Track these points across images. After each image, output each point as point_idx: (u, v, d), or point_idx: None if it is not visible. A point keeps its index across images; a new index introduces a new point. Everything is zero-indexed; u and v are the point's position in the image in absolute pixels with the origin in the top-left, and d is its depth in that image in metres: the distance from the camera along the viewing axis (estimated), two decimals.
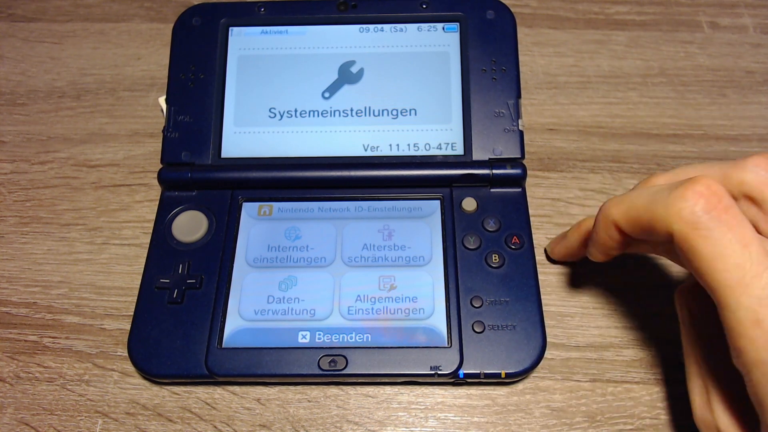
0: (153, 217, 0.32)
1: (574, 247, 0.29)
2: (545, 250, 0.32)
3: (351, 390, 0.29)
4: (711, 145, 0.36)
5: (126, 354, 0.29)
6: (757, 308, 0.19)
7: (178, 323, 0.29)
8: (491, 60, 0.33)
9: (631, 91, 0.38)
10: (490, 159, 0.32)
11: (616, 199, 0.24)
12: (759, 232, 0.23)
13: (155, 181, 0.34)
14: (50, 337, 0.30)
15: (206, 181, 0.32)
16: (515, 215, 0.31)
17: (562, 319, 0.30)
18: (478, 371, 0.27)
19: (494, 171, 0.31)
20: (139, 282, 0.30)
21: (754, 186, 0.23)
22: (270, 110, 0.33)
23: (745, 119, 0.37)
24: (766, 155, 0.23)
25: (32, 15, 0.42)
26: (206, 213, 0.32)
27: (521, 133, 0.32)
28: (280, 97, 0.34)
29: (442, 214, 0.31)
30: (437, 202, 0.32)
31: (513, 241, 0.30)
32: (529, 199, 0.32)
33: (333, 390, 0.29)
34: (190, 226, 0.31)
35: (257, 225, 0.31)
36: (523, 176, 0.32)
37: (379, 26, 0.34)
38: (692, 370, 0.25)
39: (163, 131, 0.33)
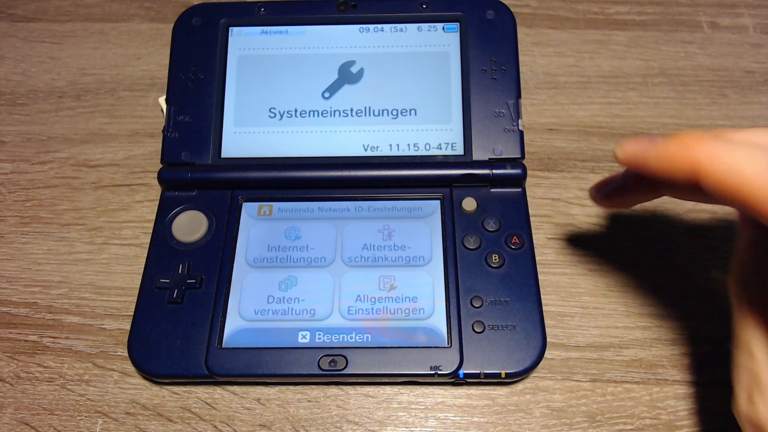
0: (153, 217, 0.32)
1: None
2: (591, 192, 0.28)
3: (351, 390, 0.29)
4: None
5: (126, 354, 0.29)
6: None
7: (178, 323, 0.29)
8: (491, 60, 0.33)
9: (631, 91, 0.38)
10: (490, 159, 0.32)
11: (711, 145, 0.19)
12: None
13: (155, 181, 0.34)
14: (50, 337, 0.30)
15: (206, 181, 0.32)
16: (515, 215, 0.31)
17: (562, 319, 0.30)
18: (478, 371, 0.27)
19: (494, 171, 0.31)
20: (139, 282, 0.30)
21: None
22: (270, 110, 0.33)
23: (745, 119, 0.37)
24: None
25: (32, 15, 0.42)
26: (206, 213, 0.32)
27: (521, 133, 0.32)
28: (280, 97, 0.34)
29: (442, 214, 0.31)
30: (437, 202, 0.32)
31: (513, 241, 0.30)
32: (529, 199, 0.32)
33: (333, 390, 0.29)
34: (190, 226, 0.31)
35: (257, 225, 0.31)
36: (523, 176, 0.32)
37: (379, 26, 0.34)
38: (743, 361, 0.22)
39: (163, 131, 0.33)
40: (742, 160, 0.18)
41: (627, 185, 0.26)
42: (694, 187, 0.20)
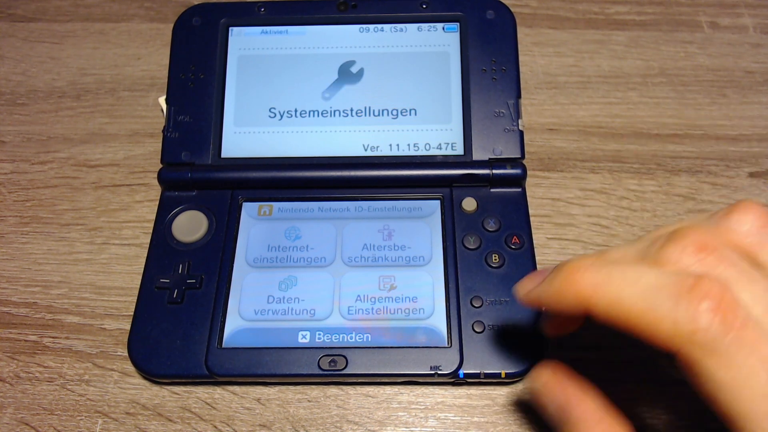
0: (153, 217, 0.32)
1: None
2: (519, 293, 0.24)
3: (351, 390, 0.29)
4: (711, 145, 0.36)
5: (126, 354, 0.29)
6: None
7: (178, 323, 0.29)
8: (491, 60, 0.33)
9: (631, 91, 0.38)
10: (490, 159, 0.32)
11: (592, 275, 0.19)
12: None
13: (155, 181, 0.34)
14: (50, 337, 0.30)
15: (206, 181, 0.32)
16: (515, 215, 0.31)
17: None
18: (478, 371, 0.27)
19: (494, 171, 0.31)
20: (139, 282, 0.30)
21: (747, 247, 0.19)
22: (270, 110, 0.33)
23: (745, 119, 0.37)
24: (750, 205, 0.20)
25: (32, 15, 0.42)
26: (206, 213, 0.32)
27: (521, 133, 0.32)
28: (280, 97, 0.34)
29: (442, 214, 0.31)
30: (437, 202, 0.32)
31: (513, 241, 0.30)
32: (529, 199, 0.32)
33: (333, 390, 0.29)
34: (190, 226, 0.31)
35: (257, 225, 0.31)
36: (523, 176, 0.32)
37: (379, 26, 0.34)
38: None
39: (163, 131, 0.33)
40: (621, 286, 0.19)
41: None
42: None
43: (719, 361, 0.17)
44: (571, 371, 0.21)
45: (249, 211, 0.32)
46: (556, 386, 0.21)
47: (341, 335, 0.28)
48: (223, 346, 0.28)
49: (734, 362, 0.17)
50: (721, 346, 0.17)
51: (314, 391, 0.29)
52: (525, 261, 0.30)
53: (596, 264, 0.19)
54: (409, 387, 0.29)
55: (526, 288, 0.22)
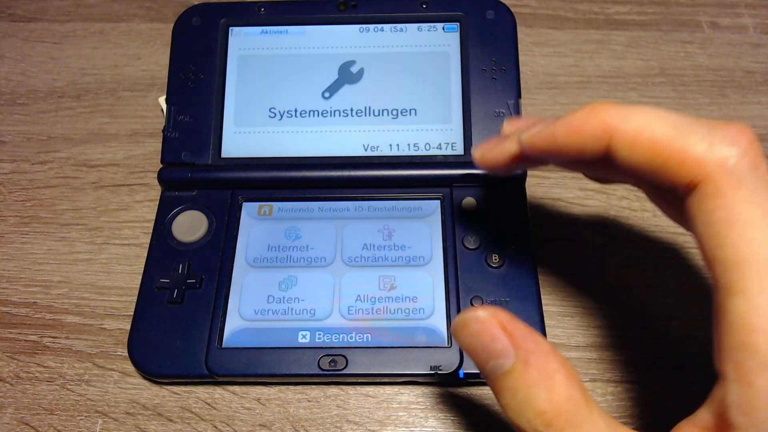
0: (153, 217, 0.32)
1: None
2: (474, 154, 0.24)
3: (351, 390, 0.29)
4: None
5: (126, 354, 0.29)
6: None
7: (178, 323, 0.29)
8: (491, 60, 0.33)
9: (631, 91, 0.38)
10: None
11: (619, 109, 0.19)
12: None
13: (155, 181, 0.33)
14: (50, 337, 0.30)
15: (206, 181, 0.32)
16: (515, 215, 0.31)
17: (562, 319, 0.30)
18: (478, 371, 0.27)
19: None
20: (139, 282, 0.30)
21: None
22: (270, 110, 0.33)
23: (745, 119, 0.37)
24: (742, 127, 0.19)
25: (32, 15, 0.42)
26: (206, 213, 0.32)
27: None
28: (280, 97, 0.34)
29: (442, 214, 0.31)
30: (437, 202, 0.32)
31: (513, 241, 0.30)
32: (529, 199, 0.32)
33: (333, 390, 0.29)
34: (190, 226, 0.31)
35: (257, 225, 0.31)
36: (523, 176, 0.32)
37: (379, 26, 0.34)
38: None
39: (163, 131, 0.33)
40: (652, 117, 0.18)
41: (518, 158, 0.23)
42: (603, 158, 0.19)
43: (743, 194, 0.16)
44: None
45: (249, 211, 0.32)
46: (505, 318, 0.19)
47: (341, 335, 0.28)
48: (223, 346, 0.28)
49: (756, 198, 0.16)
50: (749, 178, 0.17)
51: (314, 391, 0.29)
52: (525, 261, 0.30)
53: (622, 103, 0.19)
54: (409, 387, 0.29)
55: (529, 131, 0.21)
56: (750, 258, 0.16)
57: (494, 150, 0.23)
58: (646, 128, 0.18)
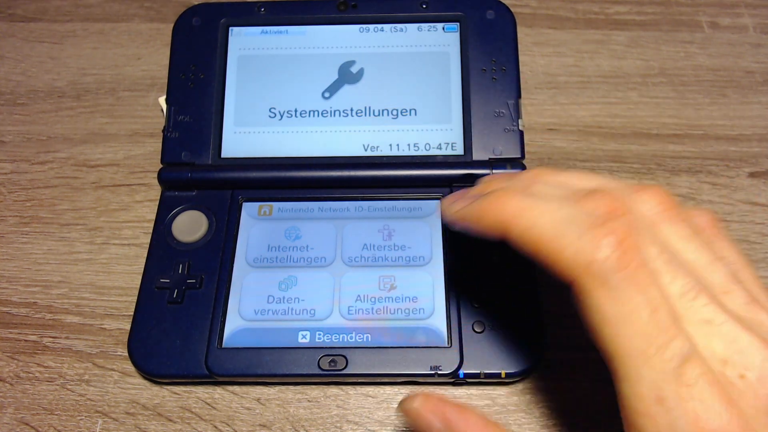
0: (153, 217, 0.32)
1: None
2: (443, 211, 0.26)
3: (351, 390, 0.29)
4: (711, 145, 0.36)
5: (126, 354, 0.29)
6: (661, 384, 0.17)
7: (178, 323, 0.29)
8: (491, 60, 0.33)
9: (631, 91, 0.38)
10: (490, 159, 0.32)
11: (517, 202, 0.21)
12: None
13: (155, 181, 0.33)
14: (50, 337, 0.30)
15: (206, 181, 0.32)
16: None
17: (562, 319, 0.30)
18: (478, 371, 0.27)
19: (494, 171, 0.31)
20: (139, 282, 0.30)
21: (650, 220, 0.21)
22: (270, 110, 0.33)
23: (745, 119, 0.37)
24: (658, 189, 0.21)
25: (32, 15, 0.42)
26: (206, 213, 0.32)
27: (521, 133, 0.32)
28: (280, 97, 0.34)
29: None
30: (437, 202, 0.32)
31: None
32: None
33: (333, 390, 0.29)
34: (190, 226, 0.31)
35: (257, 225, 0.31)
36: None
37: (379, 26, 0.34)
38: None
39: (163, 131, 0.33)
40: (539, 214, 0.20)
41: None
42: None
43: (608, 294, 0.18)
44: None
45: (249, 211, 0.32)
46: (434, 404, 0.21)
47: (341, 335, 0.28)
48: (223, 346, 0.28)
49: (621, 297, 0.18)
50: (613, 280, 0.18)
51: (314, 391, 0.29)
52: (525, 261, 0.30)
53: (522, 194, 0.21)
54: (409, 387, 0.29)
55: (454, 207, 0.24)
56: (625, 350, 0.18)
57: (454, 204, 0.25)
58: (533, 227, 0.20)
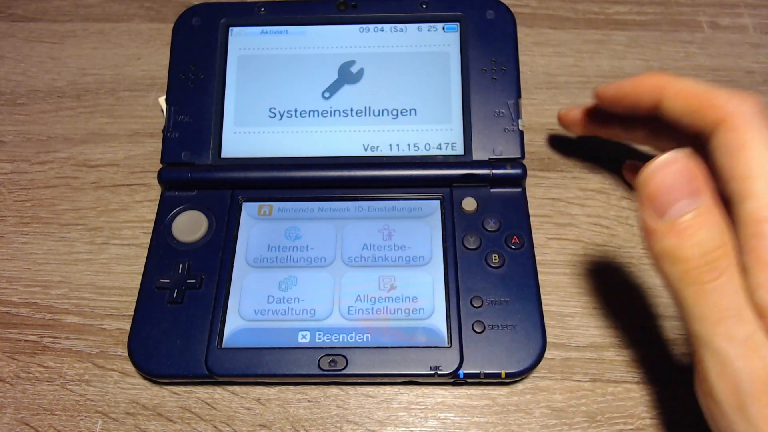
0: (153, 217, 0.32)
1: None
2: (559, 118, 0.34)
3: (351, 390, 0.29)
4: None
5: (126, 354, 0.29)
6: None
7: (178, 323, 0.29)
8: (491, 60, 0.33)
9: None
10: (490, 159, 0.32)
11: (669, 75, 0.26)
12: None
13: (155, 181, 0.34)
14: (50, 337, 0.30)
15: (206, 181, 0.32)
16: (515, 215, 0.31)
17: (562, 319, 0.30)
18: (478, 371, 0.27)
19: (494, 171, 0.31)
20: (139, 282, 0.30)
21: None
22: (270, 110, 0.33)
23: None
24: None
25: (32, 15, 0.42)
26: (206, 213, 0.32)
27: (521, 133, 0.32)
28: (280, 97, 0.34)
29: (442, 214, 0.31)
30: (437, 202, 0.32)
31: (513, 241, 0.30)
32: (529, 199, 0.32)
33: (333, 390, 0.29)
34: (190, 226, 0.31)
35: (257, 225, 0.31)
36: (523, 176, 0.32)
37: (379, 26, 0.34)
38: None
39: (163, 131, 0.33)
40: (692, 81, 0.25)
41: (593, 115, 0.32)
42: (653, 112, 0.26)
43: (751, 129, 0.22)
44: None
45: (249, 211, 0.32)
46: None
47: (341, 335, 0.28)
48: (223, 346, 0.28)
49: (760, 133, 0.22)
50: (755, 119, 0.22)
51: (314, 391, 0.29)
52: (525, 261, 0.30)
53: (672, 73, 0.26)
54: (409, 387, 0.29)
55: (608, 86, 0.29)
56: (756, 172, 0.21)
57: (572, 110, 0.33)
58: (687, 86, 0.25)
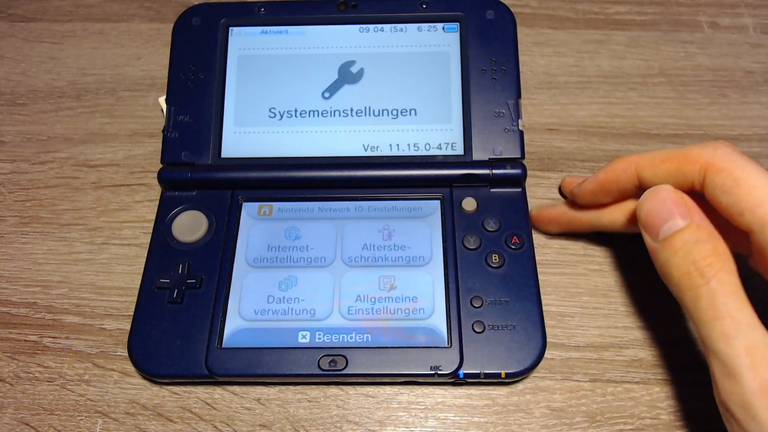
0: (153, 217, 0.32)
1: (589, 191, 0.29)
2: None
3: (351, 390, 0.29)
4: None
5: (126, 354, 0.29)
6: None
7: (178, 323, 0.29)
8: (491, 60, 0.33)
9: (631, 91, 0.38)
10: (490, 159, 0.32)
11: (636, 155, 0.27)
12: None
13: (155, 181, 0.34)
14: (50, 337, 0.30)
15: (206, 181, 0.32)
16: (515, 215, 0.31)
17: (562, 319, 0.30)
18: (478, 371, 0.27)
19: (494, 171, 0.31)
20: (139, 282, 0.30)
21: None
22: (270, 110, 0.33)
23: (745, 119, 0.37)
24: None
25: (32, 15, 0.42)
26: (206, 213, 0.32)
27: (521, 133, 0.32)
28: (280, 97, 0.34)
29: (442, 214, 0.31)
30: (437, 202, 0.32)
31: (513, 241, 0.30)
32: (529, 199, 0.32)
33: (333, 390, 0.29)
34: (190, 226, 0.31)
35: (257, 225, 0.31)
36: (523, 176, 0.32)
37: (379, 26, 0.34)
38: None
39: (163, 131, 0.33)
40: (657, 150, 0.26)
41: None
42: (637, 190, 0.27)
43: (736, 164, 0.23)
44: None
45: (249, 211, 0.32)
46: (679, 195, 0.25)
47: (341, 335, 0.28)
48: (223, 346, 0.28)
49: (747, 164, 0.23)
50: (735, 155, 0.24)
51: (314, 391, 0.29)
52: (525, 261, 0.30)
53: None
54: (409, 387, 0.29)
55: (578, 185, 0.30)
56: (763, 200, 0.22)
57: (548, 208, 0.32)
58: (658, 154, 0.26)
